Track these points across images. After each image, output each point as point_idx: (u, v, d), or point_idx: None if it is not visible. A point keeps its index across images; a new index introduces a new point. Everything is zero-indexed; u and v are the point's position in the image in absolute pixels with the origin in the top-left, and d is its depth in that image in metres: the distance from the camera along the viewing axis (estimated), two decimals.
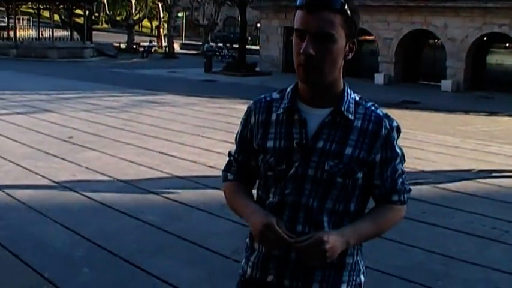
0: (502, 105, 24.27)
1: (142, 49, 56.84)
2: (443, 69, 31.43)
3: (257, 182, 2.54)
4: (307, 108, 2.31)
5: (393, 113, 11.17)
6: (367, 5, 33.65)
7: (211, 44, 59.92)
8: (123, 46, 60.15)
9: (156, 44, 62.90)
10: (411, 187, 2.46)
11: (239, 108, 18.89)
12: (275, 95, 2.44)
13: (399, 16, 33.00)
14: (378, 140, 2.28)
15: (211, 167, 10.11)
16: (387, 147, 2.31)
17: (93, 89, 23.77)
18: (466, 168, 11.09)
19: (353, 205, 2.34)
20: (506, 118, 20.58)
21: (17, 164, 10.01)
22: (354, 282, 2.41)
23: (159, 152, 11.43)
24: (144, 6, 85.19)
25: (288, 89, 2.38)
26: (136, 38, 64.07)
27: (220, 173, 2.63)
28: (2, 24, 54.09)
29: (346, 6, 2.20)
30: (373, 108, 2.35)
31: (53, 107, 17.81)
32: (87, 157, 10.76)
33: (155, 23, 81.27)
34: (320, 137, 2.26)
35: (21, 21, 56.67)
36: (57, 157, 10.65)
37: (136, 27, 76.06)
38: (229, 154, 2.61)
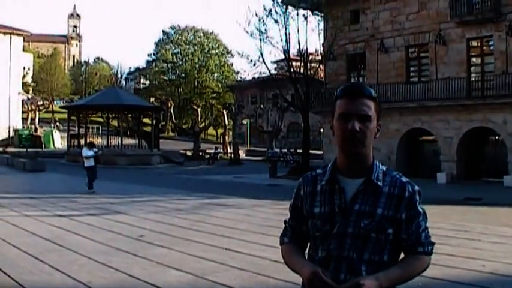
0: None
1: (208, 156, 58.04)
2: (505, 165, 31.37)
3: (308, 244, 3.09)
4: (345, 179, 2.89)
5: (455, 209, 11.77)
6: (426, 106, 34.23)
7: (276, 149, 60.83)
8: (189, 153, 61.50)
9: (221, 150, 64.08)
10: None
11: None
12: (318, 171, 3.05)
13: (458, 115, 33.35)
14: (403, 201, 2.85)
15: (276, 261, 10.40)
16: (411, 207, 2.87)
17: (161, 193, 24.65)
18: None
19: (386, 256, 2.86)
20: None
21: (91, 259, 10.56)
22: None
23: (226, 249, 11.80)
24: (209, 114, 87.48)
25: (329, 165, 2.99)
26: (202, 146, 65.46)
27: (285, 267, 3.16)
28: (73, 132, 56.31)
29: (376, 96, 2.87)
30: (397, 176, 2.93)
31: (123, 209, 18.63)
32: (157, 253, 11.25)
33: (220, 131, 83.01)
34: (356, 201, 2.84)
35: (91, 130, 58.98)
36: (129, 253, 11.19)
37: (202, 135, 77.76)
38: (285, 222, 3.23)
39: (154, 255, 11.00)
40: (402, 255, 2.97)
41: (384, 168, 2.94)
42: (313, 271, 2.72)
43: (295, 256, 3.04)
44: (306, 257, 3.04)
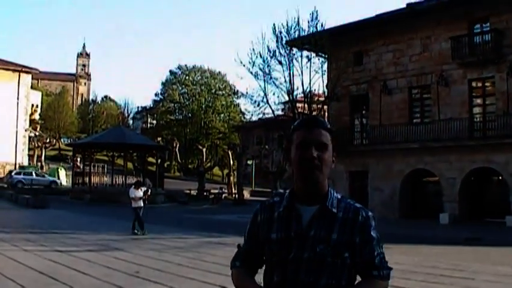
0: None
1: (212, 196, 58.05)
2: (508, 205, 31.27)
3: (263, 268, 3.13)
4: (301, 206, 2.98)
5: (454, 249, 11.91)
6: (428, 147, 34.31)
7: (280, 190, 60.69)
8: (193, 193, 61.54)
9: (226, 191, 64.08)
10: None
11: None
12: (276, 199, 3.14)
13: (460, 155, 33.39)
14: (356, 225, 2.93)
15: None
16: (364, 232, 2.94)
17: (162, 232, 24.65)
18: None
19: (344, 281, 2.92)
20: None
21: None
22: None
23: (219, 286, 11.88)
24: (214, 154, 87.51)
25: (286, 193, 3.08)
26: (207, 186, 65.45)
27: None
28: (78, 170, 56.58)
29: (332, 128, 3.01)
30: (351, 202, 3.02)
31: (123, 246, 18.76)
32: None
33: (226, 171, 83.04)
34: (312, 227, 2.92)
35: (96, 168, 59.21)
36: None
37: (208, 175, 77.73)
38: (238, 246, 3.27)
39: None
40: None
41: (339, 196, 3.03)
42: None
43: (246, 282, 3.10)
44: (262, 282, 3.07)
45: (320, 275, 2.87)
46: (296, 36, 40.80)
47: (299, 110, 41.67)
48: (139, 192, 24.25)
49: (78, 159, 65.42)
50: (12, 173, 61.61)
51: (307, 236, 2.90)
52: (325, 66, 42.14)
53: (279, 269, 2.95)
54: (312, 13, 40.86)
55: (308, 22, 40.97)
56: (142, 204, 23.99)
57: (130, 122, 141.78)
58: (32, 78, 75.85)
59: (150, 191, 27.88)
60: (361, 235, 2.93)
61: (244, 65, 41.49)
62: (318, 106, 42.69)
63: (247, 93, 46.35)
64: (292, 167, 3.01)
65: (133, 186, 25.34)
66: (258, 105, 42.71)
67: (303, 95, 41.35)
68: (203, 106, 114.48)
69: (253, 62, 41.30)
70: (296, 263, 2.89)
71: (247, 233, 3.19)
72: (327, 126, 2.97)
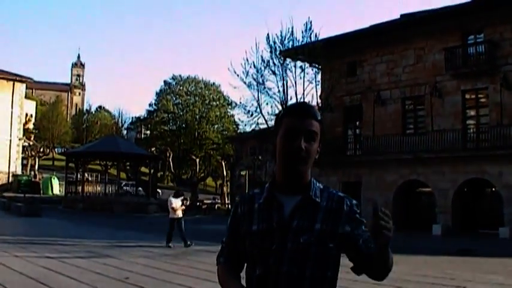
0: None
1: (205, 206, 58.04)
2: (501, 217, 31.34)
3: (244, 265, 3.05)
4: (283, 196, 2.89)
5: (447, 259, 11.97)
6: (422, 158, 34.35)
7: None
8: (186, 203, 61.44)
9: (219, 201, 64.05)
10: None
11: None
12: (256, 191, 3.06)
13: (453, 167, 33.44)
14: (342, 215, 2.84)
15: None
16: (352, 219, 2.85)
17: (153, 240, 24.52)
18: None
19: (329, 272, 2.84)
20: None
21: None
22: None
23: None
24: (208, 165, 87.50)
25: (267, 185, 2.98)
26: (201, 196, 65.50)
27: None
28: (71, 179, 56.58)
29: (321, 119, 2.92)
30: (334, 192, 2.94)
31: (113, 253, 18.67)
32: None
33: (219, 181, 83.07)
34: (295, 217, 2.82)
35: (89, 177, 59.26)
36: None
37: (201, 186, 77.76)
38: (222, 242, 3.18)
39: None
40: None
41: (321, 186, 2.95)
42: None
43: (229, 279, 2.98)
44: (244, 277, 2.98)
45: (304, 266, 2.78)
46: (290, 46, 40.92)
47: None
48: (179, 202, 23.55)
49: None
50: (122, 184, 63.54)
51: (290, 226, 2.81)
52: (319, 76, 42.30)
53: (261, 261, 2.85)
54: (306, 23, 41.09)
55: (302, 32, 41.17)
56: (181, 215, 23.36)
57: (124, 132, 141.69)
58: (26, 88, 75.82)
59: (188, 200, 26.71)
60: (351, 223, 2.84)
61: (238, 75, 41.60)
62: None
63: (240, 102, 46.44)
64: (276, 156, 2.92)
65: (172, 195, 24.59)
66: (251, 114, 42.87)
67: None
68: (197, 117, 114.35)
69: (247, 72, 41.43)
70: (279, 254, 2.79)
71: (228, 226, 3.09)
72: (317, 116, 2.87)
